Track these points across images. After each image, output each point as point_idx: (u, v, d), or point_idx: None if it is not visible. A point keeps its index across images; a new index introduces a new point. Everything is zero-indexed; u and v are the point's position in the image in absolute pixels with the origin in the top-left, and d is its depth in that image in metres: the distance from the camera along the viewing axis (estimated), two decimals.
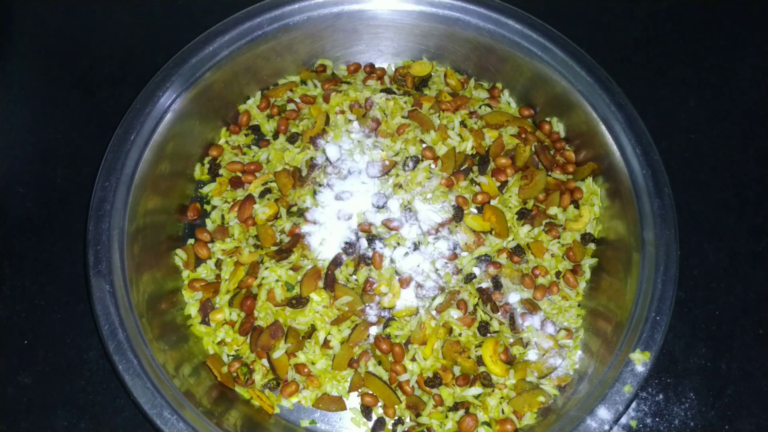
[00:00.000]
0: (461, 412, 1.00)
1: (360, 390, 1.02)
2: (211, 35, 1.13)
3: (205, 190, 1.18)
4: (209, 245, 1.12)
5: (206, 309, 1.06)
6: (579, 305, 1.09)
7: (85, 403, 1.05)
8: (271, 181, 1.16)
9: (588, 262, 1.12)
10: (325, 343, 1.04)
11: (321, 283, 1.06)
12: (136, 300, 0.98)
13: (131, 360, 0.92)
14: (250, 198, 1.13)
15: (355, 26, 1.22)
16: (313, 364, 1.03)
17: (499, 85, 1.24)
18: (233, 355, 1.05)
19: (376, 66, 1.27)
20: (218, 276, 1.10)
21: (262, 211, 1.12)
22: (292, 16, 1.17)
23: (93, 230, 0.99)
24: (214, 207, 1.17)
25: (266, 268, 1.07)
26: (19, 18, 1.39)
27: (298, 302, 1.04)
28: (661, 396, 1.08)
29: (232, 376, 1.02)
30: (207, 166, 1.19)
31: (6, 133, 1.27)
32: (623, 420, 1.04)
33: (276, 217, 1.12)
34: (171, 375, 0.94)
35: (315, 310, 1.04)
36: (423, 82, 1.24)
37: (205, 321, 1.06)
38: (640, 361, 0.93)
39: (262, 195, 1.14)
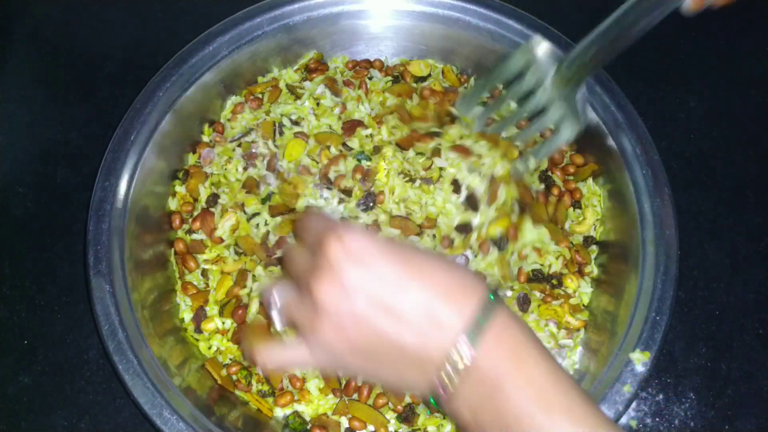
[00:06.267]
0: None
1: (347, 415, 0.99)
2: (211, 35, 1.13)
3: (172, 206, 1.11)
4: (195, 255, 1.07)
5: (199, 317, 1.04)
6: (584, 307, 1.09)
7: (85, 403, 1.05)
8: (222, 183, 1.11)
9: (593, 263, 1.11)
10: None
11: None
12: (136, 300, 0.97)
13: (131, 360, 0.91)
14: (205, 212, 1.07)
15: (355, 26, 1.22)
16: (305, 381, 1.00)
17: (499, 85, 1.24)
18: (231, 359, 1.04)
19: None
20: (207, 284, 1.07)
21: (222, 228, 1.05)
22: (292, 16, 1.16)
23: (93, 230, 0.98)
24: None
25: (255, 281, 1.03)
26: (19, 18, 1.39)
27: None
28: (661, 396, 1.08)
29: (231, 379, 1.02)
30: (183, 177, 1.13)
31: (6, 133, 1.27)
32: (623, 420, 1.04)
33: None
34: (171, 375, 0.94)
35: None
36: (421, 80, 1.24)
37: (198, 329, 1.04)
38: (640, 361, 0.93)
39: (213, 201, 1.09)
